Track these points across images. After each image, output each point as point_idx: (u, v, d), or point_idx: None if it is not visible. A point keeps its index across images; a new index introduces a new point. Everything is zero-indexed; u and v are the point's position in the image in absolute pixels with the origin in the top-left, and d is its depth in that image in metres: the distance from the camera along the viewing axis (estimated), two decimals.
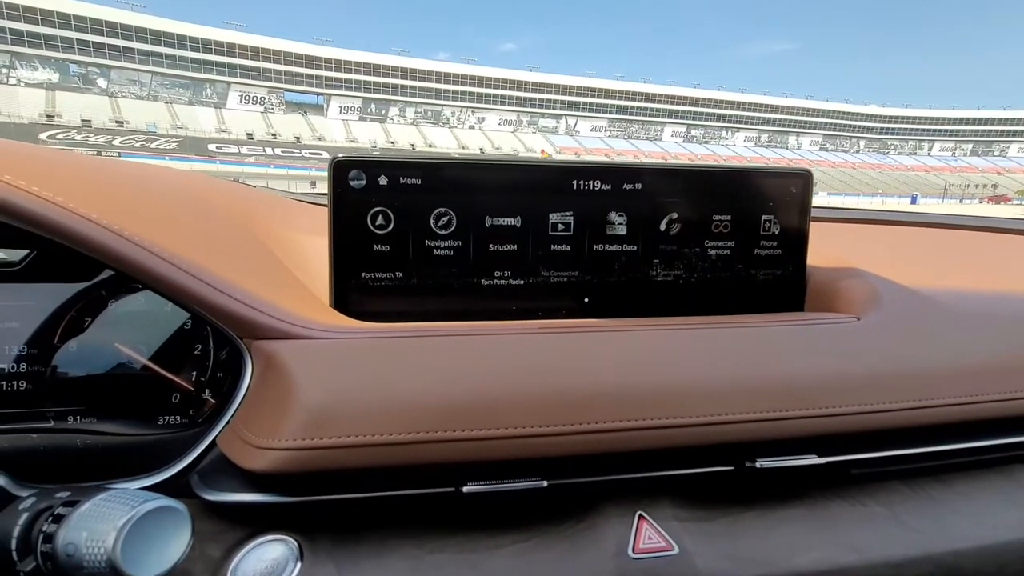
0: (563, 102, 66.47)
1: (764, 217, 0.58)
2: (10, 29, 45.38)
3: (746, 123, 72.09)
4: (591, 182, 0.54)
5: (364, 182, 0.50)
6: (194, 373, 0.45)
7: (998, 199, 53.73)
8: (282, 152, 47.90)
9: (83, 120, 43.96)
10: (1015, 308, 0.59)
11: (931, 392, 0.47)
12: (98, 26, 48.21)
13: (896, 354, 0.49)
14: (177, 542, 0.30)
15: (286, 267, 0.53)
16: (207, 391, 0.45)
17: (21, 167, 0.38)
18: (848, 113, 73.71)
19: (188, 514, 0.31)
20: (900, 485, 0.49)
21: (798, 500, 0.46)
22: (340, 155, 0.50)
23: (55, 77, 47.83)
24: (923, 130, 74.90)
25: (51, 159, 0.44)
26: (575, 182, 0.54)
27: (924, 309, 0.55)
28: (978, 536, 0.45)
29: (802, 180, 0.59)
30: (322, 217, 0.51)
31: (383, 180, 0.50)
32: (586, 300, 0.56)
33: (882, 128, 74.54)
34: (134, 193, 0.47)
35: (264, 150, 48.13)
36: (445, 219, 0.52)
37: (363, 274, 0.51)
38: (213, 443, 0.41)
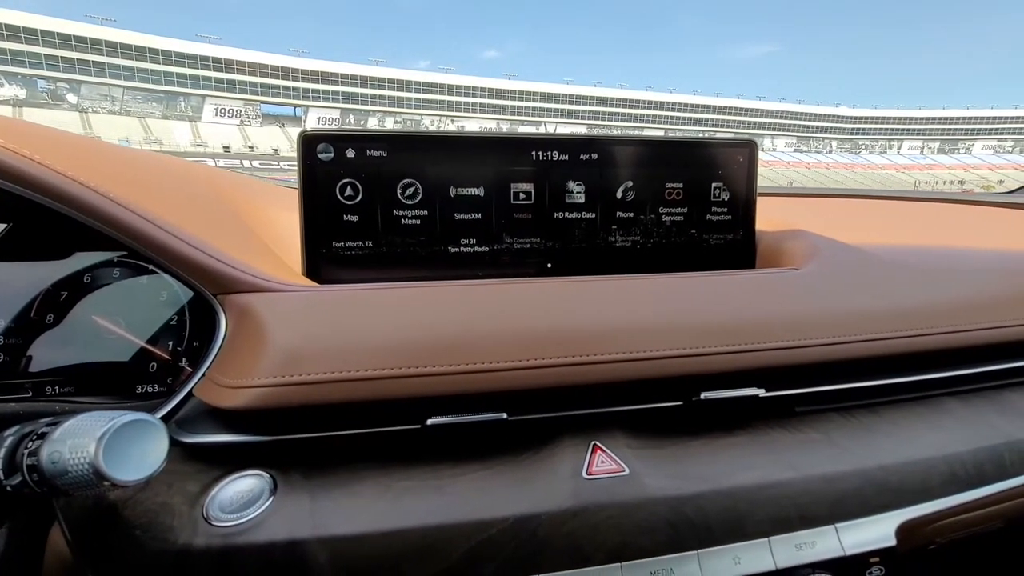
0: (541, 109, 66.96)
1: (714, 184, 0.61)
2: None
3: (721, 126, 73.39)
4: (549, 152, 0.56)
5: (332, 155, 0.51)
6: (170, 343, 0.46)
7: (966, 195, 55.19)
8: (260, 164, 47.28)
9: None
10: (938, 260, 0.65)
11: (864, 328, 0.51)
12: (67, 41, 47.30)
13: (831, 296, 0.53)
14: (155, 452, 0.31)
15: (260, 239, 0.54)
16: (183, 360, 0.46)
17: (2, 130, 0.39)
18: (820, 115, 75.47)
19: (163, 427, 0.32)
20: (836, 416, 0.52)
21: (742, 430, 0.49)
22: (308, 129, 0.51)
23: (22, 93, 46.74)
24: (892, 130, 76.95)
25: (30, 127, 0.44)
26: (534, 153, 0.56)
27: (858, 259, 0.59)
28: (903, 454, 0.49)
29: (748, 149, 0.61)
30: (295, 196, 0.52)
31: (350, 152, 0.51)
32: (549, 265, 0.57)
33: (853, 129, 76.43)
34: (113, 160, 0.49)
35: (241, 163, 47.52)
36: (411, 189, 0.53)
37: (333, 243, 0.52)
38: (189, 394, 0.42)
